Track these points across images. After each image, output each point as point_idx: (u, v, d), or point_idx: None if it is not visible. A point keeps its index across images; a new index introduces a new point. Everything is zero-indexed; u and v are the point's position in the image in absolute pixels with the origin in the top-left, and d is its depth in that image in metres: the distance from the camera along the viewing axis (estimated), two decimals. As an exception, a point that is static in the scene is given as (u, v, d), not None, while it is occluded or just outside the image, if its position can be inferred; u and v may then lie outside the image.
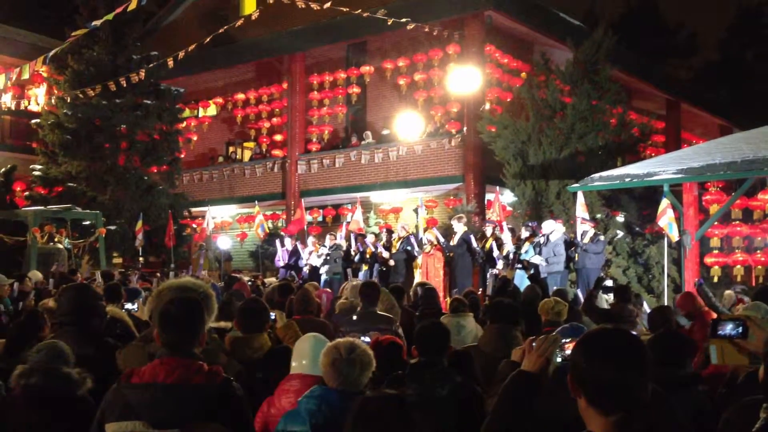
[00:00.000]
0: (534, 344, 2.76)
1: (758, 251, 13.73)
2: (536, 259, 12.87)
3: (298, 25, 20.42)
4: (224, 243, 20.27)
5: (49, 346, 3.69)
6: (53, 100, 20.31)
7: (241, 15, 19.80)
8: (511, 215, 16.60)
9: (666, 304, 10.64)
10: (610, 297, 9.36)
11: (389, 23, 16.44)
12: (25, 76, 15.39)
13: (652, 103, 24.84)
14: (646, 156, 16.52)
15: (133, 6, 13.68)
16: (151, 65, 19.16)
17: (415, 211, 17.56)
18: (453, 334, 5.23)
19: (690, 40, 39.30)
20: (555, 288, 9.90)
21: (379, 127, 20.78)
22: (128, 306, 6.65)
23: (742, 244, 13.87)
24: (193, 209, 22.72)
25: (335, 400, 3.38)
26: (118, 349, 4.10)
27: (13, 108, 21.10)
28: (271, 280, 14.22)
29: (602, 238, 13.21)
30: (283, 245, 17.68)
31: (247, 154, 24.55)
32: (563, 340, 2.71)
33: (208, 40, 16.57)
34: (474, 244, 14.36)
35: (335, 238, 16.55)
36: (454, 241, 14.59)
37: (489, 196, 17.68)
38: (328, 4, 15.42)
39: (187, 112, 23.83)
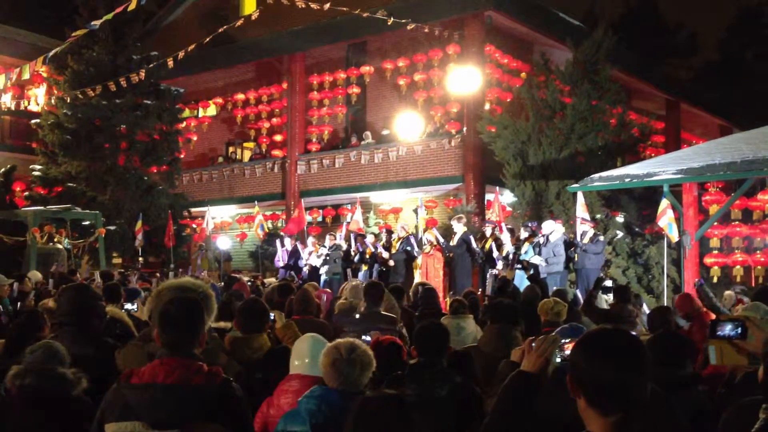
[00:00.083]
0: (533, 344, 2.76)
1: (758, 252, 13.73)
2: (536, 260, 12.87)
3: (298, 25, 20.42)
4: (224, 243, 20.27)
5: (44, 347, 3.69)
6: (53, 100, 20.30)
7: (241, 15, 19.81)
8: (511, 215, 16.61)
9: (666, 304, 10.64)
10: (610, 297, 9.36)
11: (389, 23, 16.45)
12: (26, 76, 15.39)
13: (652, 103, 24.85)
14: (645, 156, 16.52)
15: (132, 6, 13.69)
16: (151, 65, 19.16)
17: (415, 211, 17.56)
18: (453, 335, 5.23)
19: (690, 40, 39.31)
20: (555, 288, 9.90)
21: (379, 128, 20.79)
22: (128, 306, 6.65)
23: (741, 244, 13.88)
24: (193, 209, 22.71)
25: (335, 400, 3.38)
26: (117, 349, 4.10)
27: (13, 108, 21.10)
28: (271, 281, 14.22)
29: (602, 238, 13.22)
30: (282, 245, 17.68)
31: (247, 155, 24.56)
32: (562, 341, 2.71)
33: (207, 40, 16.58)
34: (474, 244, 14.36)
35: (335, 239, 16.56)
36: (453, 242, 14.59)
37: (489, 197, 17.69)
38: (327, 5, 15.43)
39: (186, 112, 23.83)
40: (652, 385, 2.09)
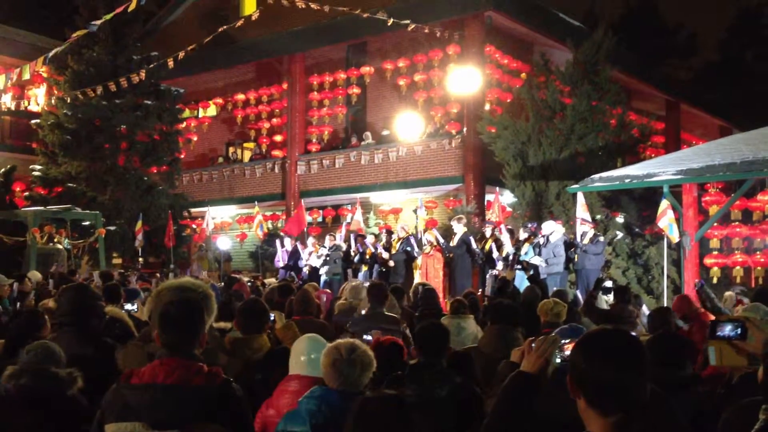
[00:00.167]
0: (533, 345, 2.76)
1: (758, 252, 13.73)
2: (536, 260, 12.87)
3: (298, 26, 20.43)
4: (224, 243, 20.27)
5: (39, 347, 3.69)
6: (53, 101, 20.31)
7: (241, 15, 19.81)
8: (511, 216, 16.61)
9: (666, 305, 10.64)
10: (610, 298, 9.36)
11: (389, 24, 16.45)
12: (26, 76, 15.39)
13: (652, 103, 24.85)
14: (645, 157, 16.52)
15: (133, 6, 13.70)
16: (152, 65, 19.16)
17: (415, 211, 17.56)
18: (453, 336, 5.24)
19: (690, 40, 39.31)
20: (555, 289, 9.90)
21: (379, 128, 20.79)
22: (128, 307, 6.64)
23: (741, 245, 13.87)
24: (193, 210, 22.71)
25: (335, 401, 3.38)
26: (117, 349, 4.11)
27: (13, 108, 21.11)
28: (271, 281, 14.23)
29: (602, 239, 13.22)
30: (282, 246, 17.69)
31: (247, 155, 24.56)
32: (562, 341, 2.71)
33: (207, 40, 16.59)
34: (473, 245, 14.36)
35: (335, 239, 16.56)
36: (453, 242, 14.59)
37: (489, 197, 17.68)
38: (327, 8, 15.43)
39: (187, 113, 23.83)
40: (651, 386, 2.09)
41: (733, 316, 4.85)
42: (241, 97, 23.49)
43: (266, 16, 17.25)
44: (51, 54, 14.93)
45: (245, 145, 24.77)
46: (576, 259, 13.00)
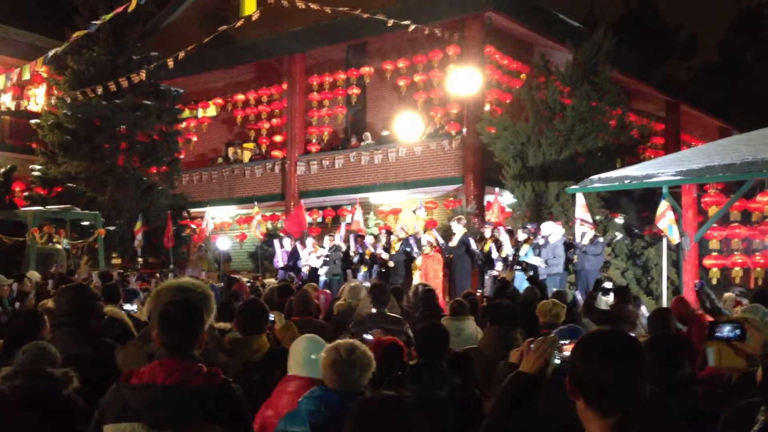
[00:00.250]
0: (532, 346, 2.76)
1: (757, 253, 13.73)
2: (535, 261, 12.87)
3: (298, 26, 20.43)
4: (223, 244, 20.27)
5: (34, 347, 3.69)
6: (53, 101, 20.30)
7: (241, 16, 19.81)
8: (511, 217, 16.61)
9: (665, 306, 10.64)
10: (609, 299, 9.35)
11: (389, 24, 16.45)
12: (26, 76, 15.39)
13: (652, 104, 24.87)
14: (645, 158, 16.51)
15: (132, 6, 13.69)
16: (151, 66, 19.16)
17: (414, 212, 17.56)
18: (452, 337, 5.23)
19: (690, 41, 39.28)
20: (554, 290, 9.90)
21: (379, 128, 20.79)
22: (127, 307, 6.64)
23: (740, 246, 13.88)
24: (193, 210, 22.70)
25: (335, 401, 3.39)
26: (117, 349, 4.11)
27: (12, 108, 21.11)
28: (271, 281, 14.23)
29: (601, 239, 13.22)
30: (282, 246, 17.68)
31: (247, 155, 24.56)
32: (561, 342, 2.72)
33: (207, 40, 16.58)
34: (473, 245, 14.36)
35: (334, 240, 16.56)
36: (453, 243, 14.59)
37: (488, 198, 17.69)
38: (329, 9, 15.43)
39: (186, 113, 23.83)
40: (651, 386, 2.09)
41: (732, 317, 4.85)
42: (240, 97, 23.50)
43: (266, 16, 17.24)
44: (51, 54, 14.93)
45: (245, 145, 24.77)
46: (575, 260, 13.01)
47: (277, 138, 22.83)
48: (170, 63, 16.71)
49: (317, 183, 21.44)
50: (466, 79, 16.62)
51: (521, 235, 13.85)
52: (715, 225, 13.25)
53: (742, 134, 14.71)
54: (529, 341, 2.81)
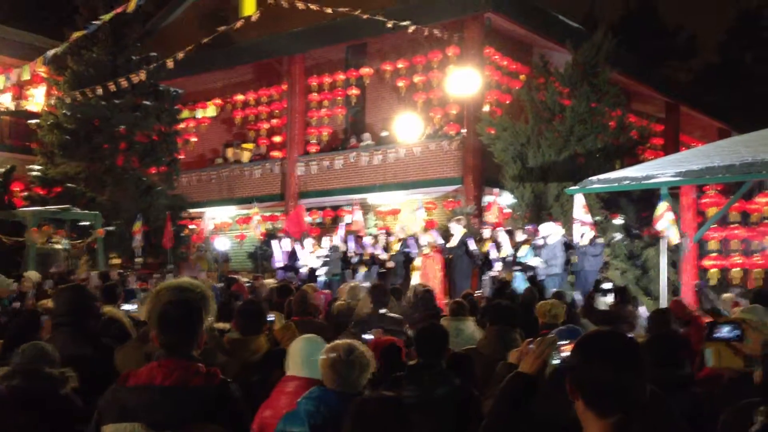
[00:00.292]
0: (531, 346, 2.76)
1: (756, 254, 13.74)
2: (534, 261, 12.88)
3: (297, 27, 20.43)
4: (222, 244, 20.25)
5: (32, 347, 3.69)
6: (52, 101, 20.29)
7: (240, 16, 19.79)
8: (510, 217, 16.61)
9: (665, 306, 10.64)
10: (608, 299, 9.36)
11: (389, 25, 16.45)
12: (25, 76, 15.38)
13: (651, 105, 24.87)
14: (644, 159, 16.51)
15: (132, 7, 13.69)
16: (151, 66, 19.15)
17: (414, 212, 17.57)
18: (452, 338, 5.23)
19: (689, 42, 39.28)
20: (553, 290, 9.90)
21: (378, 129, 20.79)
22: (125, 307, 6.64)
23: (739, 247, 13.88)
24: (192, 210, 22.69)
25: (334, 402, 3.39)
26: (116, 349, 4.11)
27: (12, 108, 21.10)
28: (269, 282, 14.22)
29: (600, 240, 13.23)
30: (281, 247, 17.68)
31: (246, 156, 24.54)
32: (560, 342, 2.72)
33: (207, 41, 16.58)
34: (472, 246, 14.36)
35: (333, 240, 16.56)
36: (452, 243, 14.60)
37: (488, 198, 17.70)
38: (331, 10, 15.43)
39: (186, 113, 23.81)
40: (651, 386, 2.09)
41: (730, 318, 4.86)
42: (240, 97, 23.50)
43: (266, 16, 17.24)
44: (50, 54, 14.92)
45: (244, 145, 24.72)
46: (574, 261, 13.01)
47: (277, 138, 22.82)
48: (170, 63, 16.71)
49: (316, 183, 21.43)
50: (465, 80, 16.62)
51: (520, 236, 13.86)
52: (714, 226, 13.26)
53: (741, 135, 14.71)
54: (528, 342, 2.82)
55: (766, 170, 10.92)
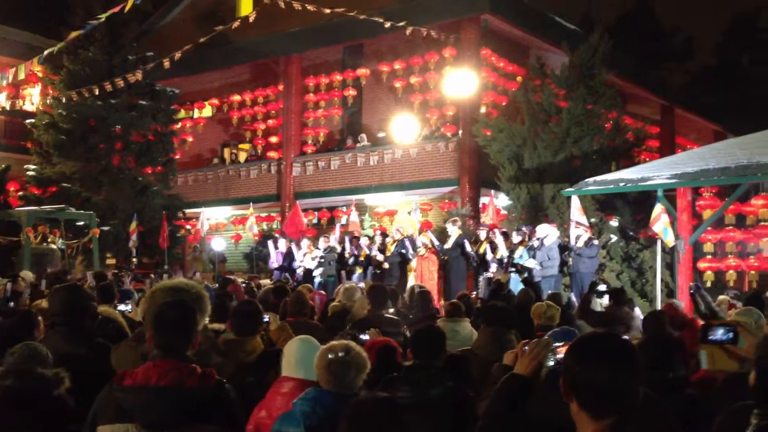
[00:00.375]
0: (526, 348, 2.76)
1: (751, 256, 13.77)
2: (530, 263, 12.89)
3: (294, 27, 20.43)
4: (218, 245, 20.23)
5: (25, 348, 3.68)
6: (48, 100, 20.26)
7: (237, 16, 19.79)
8: (506, 219, 16.63)
9: (660, 308, 10.65)
10: (604, 301, 9.37)
11: (386, 26, 16.46)
12: (21, 76, 15.36)
13: (647, 107, 24.91)
14: (640, 161, 16.56)
15: (129, 7, 13.68)
16: (147, 66, 19.13)
17: (410, 214, 17.56)
18: (448, 339, 5.23)
19: (686, 44, 39.34)
20: (549, 292, 9.91)
21: (375, 130, 20.79)
22: (121, 307, 6.62)
23: (735, 249, 13.92)
24: (188, 210, 22.67)
25: (329, 402, 3.39)
26: (111, 349, 4.10)
27: (8, 108, 21.05)
28: (265, 282, 14.21)
29: (596, 242, 13.25)
30: (276, 247, 17.67)
31: (243, 156, 24.54)
32: (555, 344, 2.72)
33: (203, 40, 16.57)
34: (468, 247, 14.37)
35: (329, 241, 16.55)
36: (448, 245, 14.60)
37: (484, 200, 17.71)
38: (328, 11, 15.42)
39: (182, 113, 23.80)
40: (643, 389, 2.10)
41: (725, 321, 4.87)
42: (236, 98, 23.48)
43: (262, 17, 17.25)
44: (46, 53, 14.90)
45: (241, 146, 24.72)
46: (570, 263, 13.02)
47: (273, 139, 22.82)
48: (166, 63, 16.70)
49: (313, 184, 21.42)
50: (462, 81, 16.64)
51: (516, 238, 13.86)
52: (709, 228, 13.28)
53: (737, 138, 14.74)
54: (523, 343, 2.81)
55: (762, 173, 10.94)
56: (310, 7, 15.94)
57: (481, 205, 17.93)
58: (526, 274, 12.71)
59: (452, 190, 18.93)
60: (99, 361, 3.99)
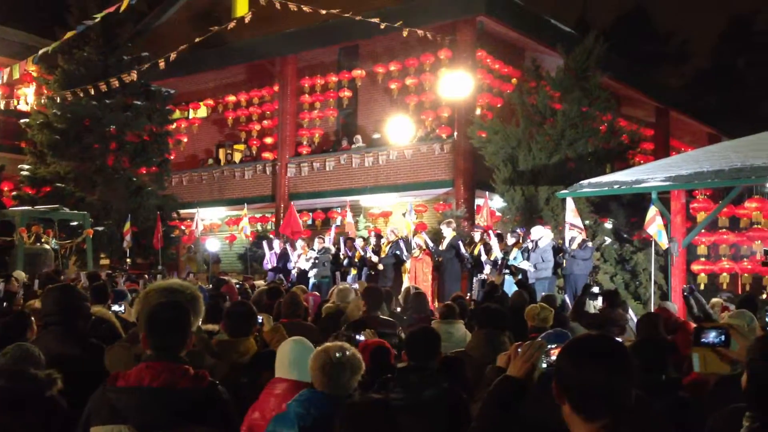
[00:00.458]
0: (519, 350, 2.77)
1: (744, 259, 13.81)
2: (524, 265, 12.90)
3: (290, 28, 20.41)
4: (213, 245, 20.20)
5: (17, 348, 3.67)
6: (43, 100, 20.20)
7: (233, 17, 19.73)
8: (501, 221, 16.65)
9: (654, 311, 10.68)
10: (598, 303, 9.39)
11: (381, 27, 16.45)
12: (16, 75, 15.30)
13: (642, 110, 24.96)
14: (634, 163, 16.61)
15: (124, 7, 13.63)
16: (142, 66, 19.08)
17: (404, 215, 17.57)
18: (442, 341, 5.22)
19: (682, 47, 39.47)
20: (543, 294, 9.92)
21: (370, 131, 20.80)
22: (115, 308, 6.61)
23: (728, 252, 13.95)
24: (182, 211, 22.63)
25: (323, 404, 3.39)
26: (105, 350, 4.09)
27: (2, 107, 20.97)
28: (259, 283, 14.19)
29: (590, 244, 13.27)
30: (271, 248, 17.65)
31: (238, 157, 24.52)
32: (548, 346, 2.72)
33: (199, 41, 16.52)
34: (462, 249, 14.38)
35: (324, 242, 16.55)
36: (443, 246, 14.61)
37: (478, 202, 17.72)
38: (323, 11, 15.40)
39: (177, 114, 23.76)
40: (636, 391, 2.10)
41: (717, 323, 4.88)
42: (232, 98, 23.45)
43: (258, 17, 17.17)
44: (40, 53, 14.84)
45: (236, 146, 24.71)
46: (564, 265, 13.05)
47: (268, 140, 22.79)
48: (161, 63, 16.63)
49: (307, 185, 21.41)
50: (457, 83, 16.65)
51: (510, 239, 13.88)
52: (703, 231, 13.31)
53: (731, 141, 14.80)
54: (516, 345, 2.82)
55: (756, 175, 10.99)
56: (305, 8, 15.90)
57: (475, 207, 17.95)
58: (520, 276, 12.72)
59: (447, 192, 18.94)
60: (92, 361, 3.98)
